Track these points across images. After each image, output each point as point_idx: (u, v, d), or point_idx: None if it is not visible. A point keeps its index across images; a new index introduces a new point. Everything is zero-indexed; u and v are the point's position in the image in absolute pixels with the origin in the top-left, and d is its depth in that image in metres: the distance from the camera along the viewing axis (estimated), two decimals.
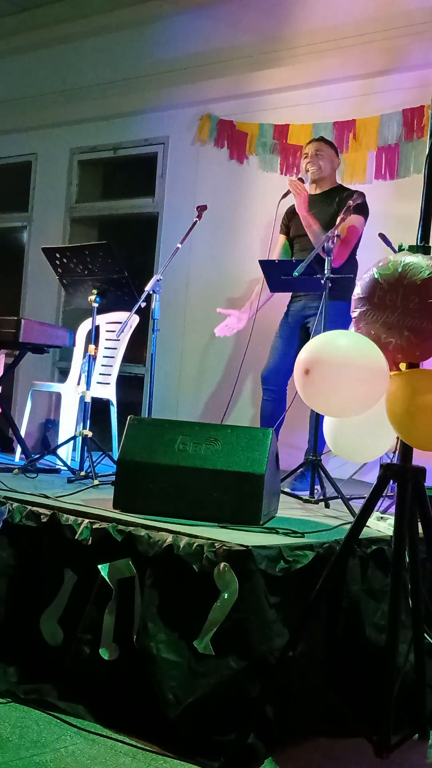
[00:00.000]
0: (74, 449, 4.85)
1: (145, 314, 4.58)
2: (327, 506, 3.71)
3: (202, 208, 4.48)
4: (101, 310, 4.27)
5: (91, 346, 4.20)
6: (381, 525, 3.03)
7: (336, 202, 4.63)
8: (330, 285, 3.94)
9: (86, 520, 2.83)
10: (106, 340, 5.29)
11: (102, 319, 5.16)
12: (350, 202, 4.12)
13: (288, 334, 4.73)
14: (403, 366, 2.31)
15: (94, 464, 3.95)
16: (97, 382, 5.04)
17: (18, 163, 7.33)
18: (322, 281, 3.95)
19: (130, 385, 6.18)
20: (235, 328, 4.92)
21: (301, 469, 4.06)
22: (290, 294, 4.79)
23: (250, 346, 4.74)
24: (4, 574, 2.94)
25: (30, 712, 2.60)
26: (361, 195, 4.40)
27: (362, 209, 4.52)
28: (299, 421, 4.70)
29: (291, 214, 4.85)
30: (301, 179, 4.63)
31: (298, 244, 4.80)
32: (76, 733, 2.49)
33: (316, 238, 4.54)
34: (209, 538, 2.57)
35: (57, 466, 4.31)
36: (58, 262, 4.24)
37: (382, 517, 3.10)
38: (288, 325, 4.75)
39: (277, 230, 4.92)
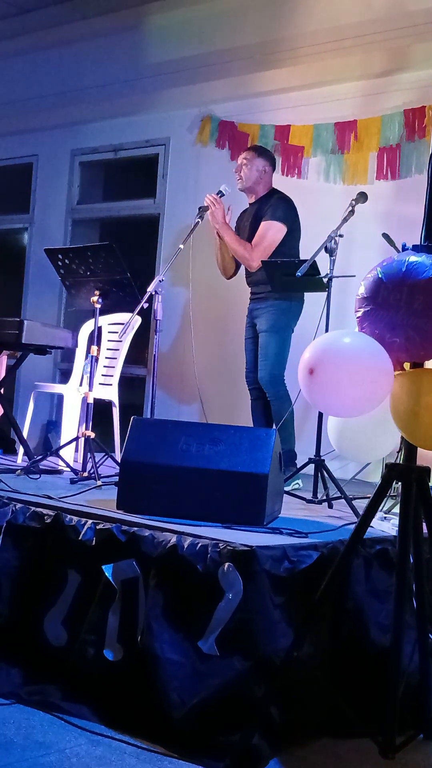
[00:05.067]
0: (76, 450, 4.84)
1: (147, 315, 4.57)
2: (330, 506, 3.71)
3: (203, 209, 4.50)
4: (103, 311, 4.27)
5: (94, 347, 4.20)
6: (385, 525, 3.03)
7: (263, 207, 4.75)
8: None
9: (90, 521, 2.82)
10: (109, 341, 5.28)
11: (104, 320, 5.15)
12: (352, 201, 4.14)
13: (250, 336, 4.89)
14: (407, 366, 2.31)
15: (97, 465, 3.95)
16: (100, 384, 5.03)
17: (19, 164, 7.34)
18: (325, 280, 3.97)
19: (131, 387, 6.18)
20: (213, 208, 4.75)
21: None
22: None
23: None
24: (7, 575, 2.93)
25: (34, 714, 2.60)
26: (285, 201, 4.67)
27: (281, 216, 4.65)
28: (300, 422, 4.70)
29: (237, 220, 4.94)
30: (220, 192, 4.69)
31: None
32: (81, 734, 2.48)
33: (230, 246, 4.77)
34: (213, 539, 2.57)
35: (59, 468, 4.30)
36: (60, 264, 4.24)
37: (386, 517, 3.10)
38: (248, 327, 4.91)
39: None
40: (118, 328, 5.03)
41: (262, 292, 4.67)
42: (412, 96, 5.18)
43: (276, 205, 4.69)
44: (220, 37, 5.88)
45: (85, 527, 2.81)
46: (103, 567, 2.68)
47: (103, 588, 2.70)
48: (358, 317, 2.32)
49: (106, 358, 5.26)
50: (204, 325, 5.96)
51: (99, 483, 3.73)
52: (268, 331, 4.65)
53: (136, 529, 2.73)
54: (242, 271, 4.93)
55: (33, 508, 2.99)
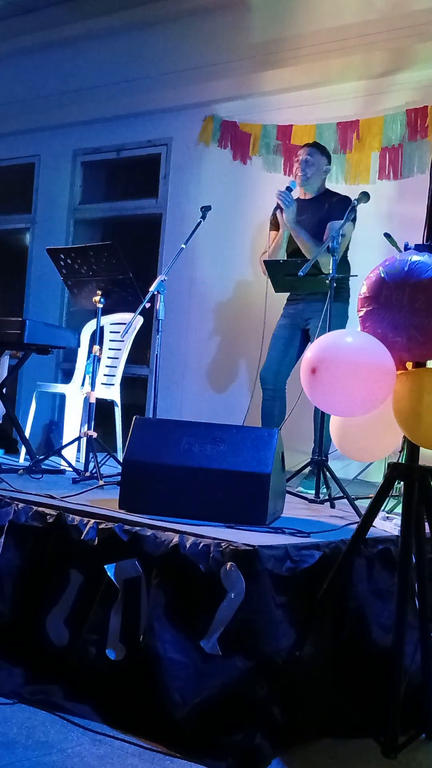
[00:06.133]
0: (78, 450, 4.84)
1: (149, 315, 4.57)
2: (332, 506, 3.71)
3: (205, 209, 4.49)
4: (105, 311, 4.27)
5: (96, 347, 4.20)
6: (387, 525, 3.03)
7: (326, 208, 4.70)
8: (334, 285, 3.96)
9: (92, 521, 2.83)
10: (111, 341, 5.29)
11: (106, 320, 5.15)
12: (354, 200, 4.14)
13: (287, 335, 4.76)
14: (409, 365, 2.31)
15: (99, 465, 3.95)
16: (102, 383, 5.04)
17: (21, 164, 7.34)
18: (327, 281, 3.97)
19: (133, 387, 6.18)
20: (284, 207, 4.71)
21: (307, 469, 4.07)
22: (286, 296, 4.81)
23: (255, 347, 4.75)
24: (10, 575, 2.93)
25: (36, 713, 2.60)
26: (349, 200, 4.50)
27: (350, 215, 4.58)
28: (303, 422, 4.70)
29: (280, 210, 4.85)
30: (288, 188, 4.66)
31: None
32: (83, 733, 2.48)
33: (304, 246, 4.63)
34: (215, 538, 2.57)
35: (61, 467, 4.30)
36: (62, 263, 4.24)
37: (388, 517, 3.10)
38: (287, 327, 4.78)
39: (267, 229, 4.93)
40: (120, 328, 5.03)
41: (317, 293, 4.48)
42: (414, 96, 5.19)
43: (343, 203, 4.57)
44: (222, 36, 5.88)
45: (88, 527, 2.81)
46: (106, 566, 2.68)
47: (105, 587, 2.70)
48: (360, 317, 2.33)
49: (108, 357, 5.26)
50: (206, 324, 5.97)
51: (101, 483, 3.73)
52: None
53: (138, 528, 2.73)
54: None
55: (35, 508, 2.99)
